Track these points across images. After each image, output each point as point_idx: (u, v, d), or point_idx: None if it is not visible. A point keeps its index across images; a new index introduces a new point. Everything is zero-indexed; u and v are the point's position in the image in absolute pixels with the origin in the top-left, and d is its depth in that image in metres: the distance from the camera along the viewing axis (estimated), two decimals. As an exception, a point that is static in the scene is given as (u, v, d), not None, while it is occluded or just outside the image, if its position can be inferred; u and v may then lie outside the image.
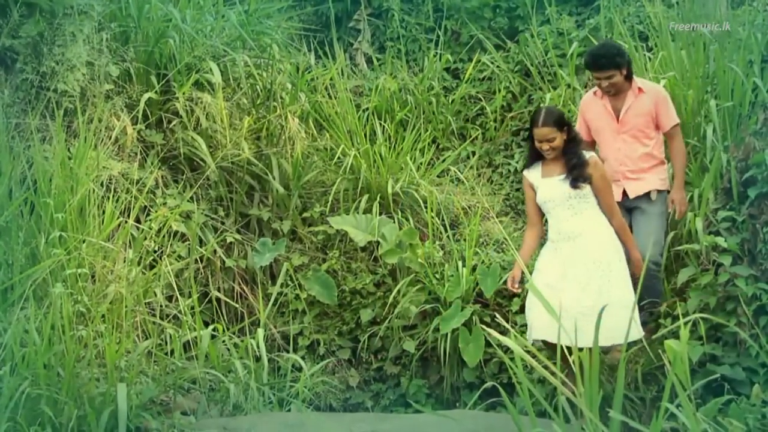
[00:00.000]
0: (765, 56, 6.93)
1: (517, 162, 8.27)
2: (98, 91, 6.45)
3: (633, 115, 5.67)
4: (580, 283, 5.01)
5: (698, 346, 5.30)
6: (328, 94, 8.23)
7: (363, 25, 9.97)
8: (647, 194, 5.66)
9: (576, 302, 4.87)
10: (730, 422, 4.25)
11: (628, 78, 5.65)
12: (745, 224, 5.47)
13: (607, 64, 5.56)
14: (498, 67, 9.06)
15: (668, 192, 5.75)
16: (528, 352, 4.38)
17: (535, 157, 5.28)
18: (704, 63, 6.74)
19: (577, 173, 5.07)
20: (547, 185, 5.19)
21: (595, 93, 5.84)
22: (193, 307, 5.89)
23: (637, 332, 5.01)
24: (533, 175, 5.28)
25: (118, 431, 4.30)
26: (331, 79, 8.26)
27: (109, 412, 4.34)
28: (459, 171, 7.96)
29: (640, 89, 5.68)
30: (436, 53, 9.38)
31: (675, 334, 5.11)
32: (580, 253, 5.08)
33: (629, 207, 5.69)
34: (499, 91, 8.78)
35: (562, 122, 5.09)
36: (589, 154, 5.14)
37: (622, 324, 4.84)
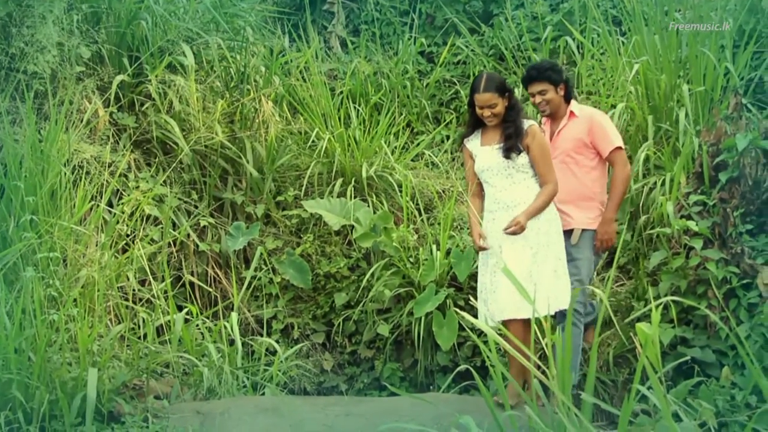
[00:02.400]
0: (737, 41, 6.99)
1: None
2: (69, 73, 6.39)
3: (562, 138, 5.41)
4: (523, 253, 4.92)
5: (669, 328, 5.36)
6: (303, 77, 8.19)
7: (337, 8, 9.93)
8: (570, 233, 5.32)
9: (544, 276, 4.89)
10: (700, 404, 4.32)
11: (567, 101, 5.44)
12: (716, 208, 5.52)
13: (538, 77, 5.34)
14: (472, 51, 9.06)
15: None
16: (501, 335, 4.40)
17: (474, 124, 5.18)
18: (677, 48, 6.78)
19: (511, 143, 4.97)
20: (485, 153, 5.09)
21: (542, 123, 5.58)
22: (166, 291, 5.87)
23: (566, 302, 4.91)
24: (473, 143, 5.18)
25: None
26: (305, 62, 8.22)
27: (81, 396, 4.32)
28: (433, 155, 7.95)
29: (572, 113, 5.43)
30: (411, 37, 9.36)
31: (647, 317, 5.18)
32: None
33: None
34: (474, 75, 8.77)
35: (503, 88, 5.00)
36: (528, 123, 5.01)
37: (556, 293, 4.90)
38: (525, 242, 4.92)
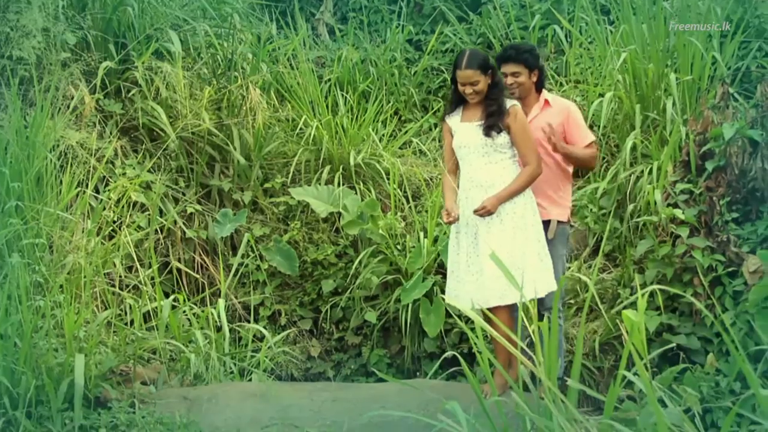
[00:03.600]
0: (724, 31, 7.01)
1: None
2: (55, 59, 6.35)
3: (535, 127, 5.13)
4: (501, 236, 4.83)
5: (655, 316, 5.38)
6: (290, 64, 8.18)
7: (325, -5, 9.91)
8: (545, 226, 5.10)
9: (528, 260, 4.82)
10: (685, 390, 4.35)
11: (538, 88, 5.25)
12: (702, 196, 5.54)
13: (515, 57, 5.14)
14: (460, 39, 9.06)
15: (569, 225, 5.37)
16: (487, 320, 4.41)
17: (457, 101, 5.07)
18: (665, 37, 6.79)
19: (492, 121, 4.86)
20: (463, 130, 4.98)
21: None
22: (153, 278, 5.86)
23: (552, 285, 4.87)
24: (453, 119, 5.07)
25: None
26: (293, 49, 8.20)
27: (68, 382, 4.31)
28: (421, 143, 7.96)
29: (546, 102, 5.24)
30: (399, 25, 9.35)
31: (633, 305, 5.20)
32: None
33: None
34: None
35: (486, 66, 4.87)
36: (511, 103, 4.90)
37: (542, 276, 4.83)
38: (501, 225, 4.84)
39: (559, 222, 5.18)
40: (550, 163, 5.16)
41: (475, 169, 4.95)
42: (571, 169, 5.30)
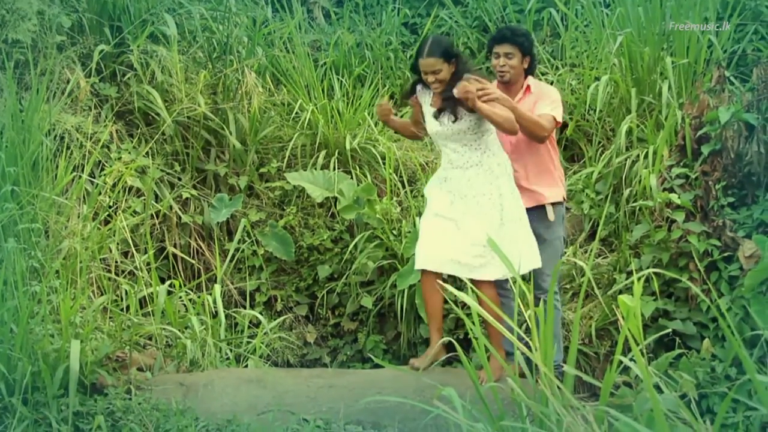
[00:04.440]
0: (720, 14, 7.00)
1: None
2: (50, 42, 6.32)
3: None
4: (474, 215, 4.79)
5: (651, 301, 5.39)
6: (286, 48, 8.14)
7: (321, -22, 9.85)
8: (542, 210, 5.16)
9: (511, 236, 4.78)
10: (681, 375, 4.36)
11: (527, 74, 5.19)
12: (698, 181, 5.55)
13: (510, 38, 5.09)
14: (456, 22, 9.02)
15: (564, 205, 5.34)
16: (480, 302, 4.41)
17: (413, 87, 5.01)
18: (661, 20, 6.77)
19: (445, 105, 4.77)
20: (429, 117, 4.93)
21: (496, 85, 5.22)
22: (149, 263, 5.85)
23: (537, 261, 4.88)
24: (425, 98, 4.97)
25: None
26: (288, 33, 8.16)
27: (64, 368, 4.31)
28: (417, 127, 7.93)
29: (528, 87, 5.16)
30: (394, 8, 9.31)
31: (629, 290, 5.21)
32: (470, 185, 4.84)
33: None
34: (457, 46, 8.73)
35: (449, 54, 4.73)
36: (465, 78, 4.72)
37: (526, 252, 4.81)
38: (478, 207, 4.80)
39: (553, 204, 5.17)
40: (539, 147, 5.14)
41: (452, 151, 4.92)
42: (553, 148, 5.27)
